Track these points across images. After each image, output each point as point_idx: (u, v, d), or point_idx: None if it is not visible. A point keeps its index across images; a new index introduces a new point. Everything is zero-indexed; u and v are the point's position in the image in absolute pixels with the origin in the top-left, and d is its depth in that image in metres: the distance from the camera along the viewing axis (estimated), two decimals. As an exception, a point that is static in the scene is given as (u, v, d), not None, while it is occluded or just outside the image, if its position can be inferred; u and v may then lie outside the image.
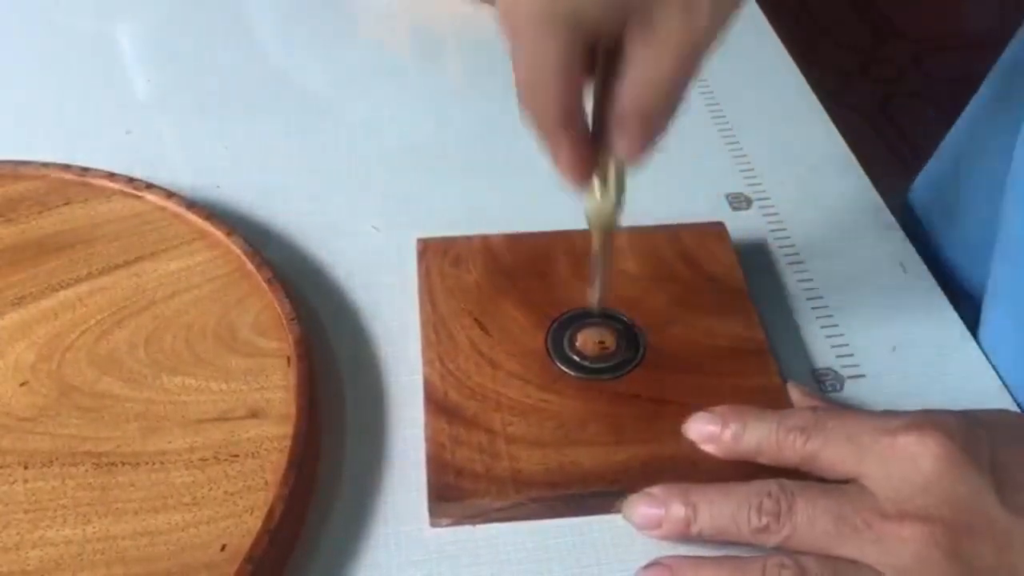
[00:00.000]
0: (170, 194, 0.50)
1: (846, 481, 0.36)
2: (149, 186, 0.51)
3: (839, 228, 0.53)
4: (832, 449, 0.36)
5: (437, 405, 0.42)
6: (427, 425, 0.41)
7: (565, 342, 0.44)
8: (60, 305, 0.45)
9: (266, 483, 0.38)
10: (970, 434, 0.35)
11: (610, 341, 0.44)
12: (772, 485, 0.36)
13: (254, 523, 0.37)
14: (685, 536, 0.37)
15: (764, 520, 0.35)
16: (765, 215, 0.53)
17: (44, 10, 0.69)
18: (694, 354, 0.44)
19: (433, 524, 0.39)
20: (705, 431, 0.40)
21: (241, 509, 0.38)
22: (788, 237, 0.52)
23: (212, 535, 0.37)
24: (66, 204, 0.50)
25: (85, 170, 0.51)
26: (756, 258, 0.50)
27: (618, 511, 0.40)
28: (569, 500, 0.39)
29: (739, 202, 0.54)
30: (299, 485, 0.38)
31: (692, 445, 0.40)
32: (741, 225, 0.52)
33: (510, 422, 0.41)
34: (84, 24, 0.68)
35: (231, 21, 0.69)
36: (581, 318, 0.45)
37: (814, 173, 0.56)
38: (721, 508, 0.36)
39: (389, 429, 0.43)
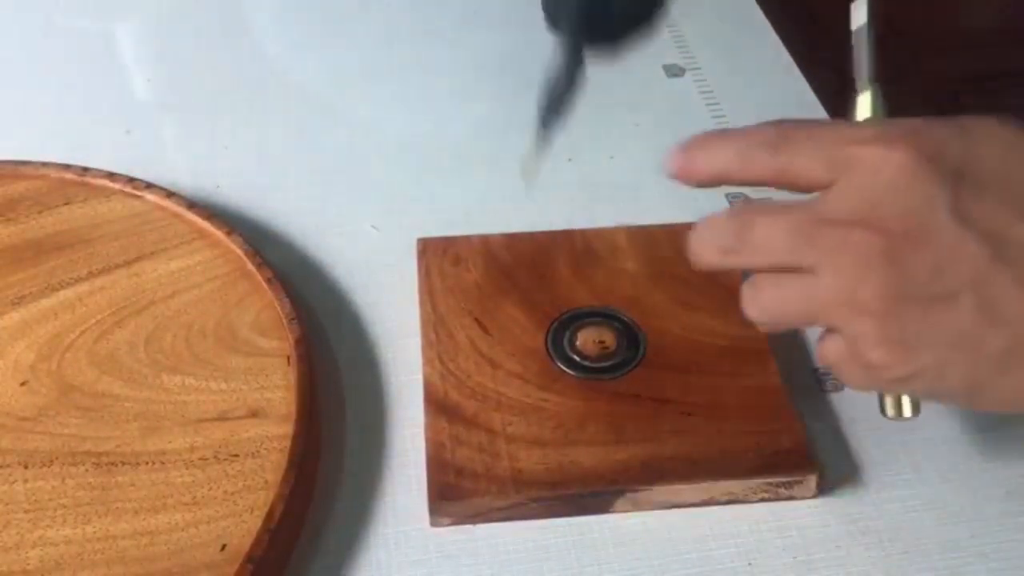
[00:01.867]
0: (170, 194, 0.50)
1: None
2: (149, 186, 0.51)
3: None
4: (801, 161, 0.35)
5: (437, 405, 0.42)
6: (427, 425, 0.41)
7: (565, 342, 0.44)
8: (60, 305, 0.45)
9: (266, 483, 0.38)
10: (943, 145, 0.34)
11: (610, 341, 0.44)
12: (732, 210, 0.36)
13: (254, 523, 0.37)
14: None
15: (726, 242, 0.36)
16: (765, 215, 0.53)
17: (44, 10, 0.69)
18: (694, 354, 0.44)
19: (433, 524, 0.39)
20: (677, 164, 0.37)
21: (241, 509, 0.38)
22: (788, 237, 0.52)
23: (212, 535, 0.37)
24: (66, 204, 0.50)
25: (85, 170, 0.51)
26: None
27: (618, 511, 0.40)
28: (569, 500, 0.39)
29: (739, 202, 0.54)
30: (299, 485, 0.38)
31: (692, 445, 0.40)
32: (741, 225, 0.51)
33: (510, 422, 0.41)
34: (84, 24, 0.68)
35: (231, 21, 0.69)
36: (581, 318, 0.45)
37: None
38: (700, 230, 0.37)
39: (389, 429, 0.43)
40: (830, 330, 0.35)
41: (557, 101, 0.39)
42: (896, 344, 0.33)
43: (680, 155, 0.37)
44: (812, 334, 0.47)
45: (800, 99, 0.62)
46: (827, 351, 0.35)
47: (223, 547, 0.37)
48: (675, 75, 0.63)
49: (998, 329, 0.32)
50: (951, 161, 0.33)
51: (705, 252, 0.37)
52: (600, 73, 0.42)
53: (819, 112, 0.61)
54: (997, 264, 0.32)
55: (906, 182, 0.33)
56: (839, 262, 0.33)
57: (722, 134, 0.37)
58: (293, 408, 0.41)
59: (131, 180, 0.51)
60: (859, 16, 0.42)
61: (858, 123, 0.37)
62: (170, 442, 0.40)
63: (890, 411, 0.37)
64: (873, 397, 0.44)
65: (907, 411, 0.37)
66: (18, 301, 0.45)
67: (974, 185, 0.33)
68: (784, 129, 0.36)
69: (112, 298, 0.46)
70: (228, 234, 0.48)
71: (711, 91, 0.61)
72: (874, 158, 0.33)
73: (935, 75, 1.94)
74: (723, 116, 0.60)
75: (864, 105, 0.40)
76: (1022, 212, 0.32)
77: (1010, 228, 0.32)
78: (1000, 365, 0.33)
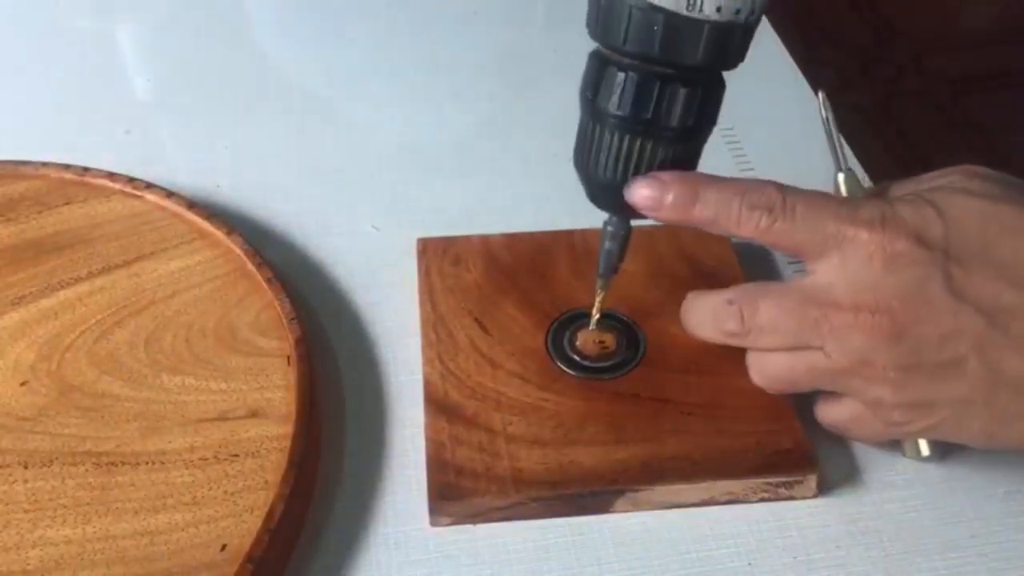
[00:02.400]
0: (170, 194, 0.50)
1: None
2: (149, 186, 0.51)
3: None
4: (800, 235, 0.38)
5: (437, 404, 0.42)
6: (427, 425, 0.41)
7: (565, 342, 0.44)
8: (60, 305, 0.45)
9: (266, 483, 0.38)
10: (924, 230, 0.36)
11: (610, 341, 0.44)
12: (732, 293, 0.39)
13: (254, 523, 0.37)
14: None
15: (730, 326, 0.39)
16: (765, 215, 0.53)
17: (44, 10, 0.69)
18: (694, 354, 0.44)
19: (433, 524, 0.39)
20: (641, 194, 0.38)
21: (241, 509, 0.38)
22: (788, 237, 0.52)
23: (212, 535, 0.37)
24: (66, 204, 0.50)
25: (85, 170, 0.51)
26: (756, 258, 0.50)
27: (618, 511, 0.40)
28: (569, 499, 0.39)
29: (739, 202, 0.54)
30: (299, 485, 0.38)
31: (692, 445, 0.40)
32: (741, 225, 0.51)
33: (510, 421, 0.41)
34: (84, 24, 0.68)
35: (231, 21, 0.69)
36: (581, 318, 0.45)
37: (814, 173, 0.56)
38: (696, 305, 0.41)
39: (389, 429, 0.43)
40: (834, 395, 0.39)
41: (615, 264, 0.42)
42: (914, 406, 0.37)
43: (651, 186, 0.38)
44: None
45: (800, 99, 0.62)
46: (837, 413, 0.40)
47: (223, 547, 0.37)
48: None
49: (1003, 386, 0.36)
50: (936, 243, 0.36)
51: (706, 332, 0.41)
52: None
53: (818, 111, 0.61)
54: (994, 330, 0.35)
55: (900, 267, 0.36)
56: (849, 343, 0.37)
57: (717, 184, 0.39)
58: (293, 408, 0.41)
59: (131, 180, 0.51)
60: (824, 109, 0.47)
61: (848, 201, 0.40)
62: (170, 442, 0.40)
63: (909, 453, 0.41)
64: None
65: (925, 451, 0.41)
66: (18, 301, 0.45)
67: (960, 262, 0.36)
68: (785, 195, 0.38)
69: (112, 298, 0.46)
70: (228, 234, 0.48)
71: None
72: (867, 244, 0.36)
73: (935, 75, 1.94)
74: (723, 116, 0.59)
75: (843, 185, 0.46)
76: (1008, 280, 0.36)
77: (1000, 297, 0.36)
78: (1010, 415, 0.36)
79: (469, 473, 0.39)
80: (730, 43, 0.36)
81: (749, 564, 0.38)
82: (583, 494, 0.39)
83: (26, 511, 0.38)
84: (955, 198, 0.37)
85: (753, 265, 0.49)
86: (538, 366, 0.43)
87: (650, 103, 0.37)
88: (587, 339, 0.44)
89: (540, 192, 0.53)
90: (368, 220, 0.53)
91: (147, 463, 0.39)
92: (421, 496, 0.40)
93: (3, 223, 0.49)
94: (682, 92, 0.36)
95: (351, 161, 0.57)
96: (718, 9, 0.34)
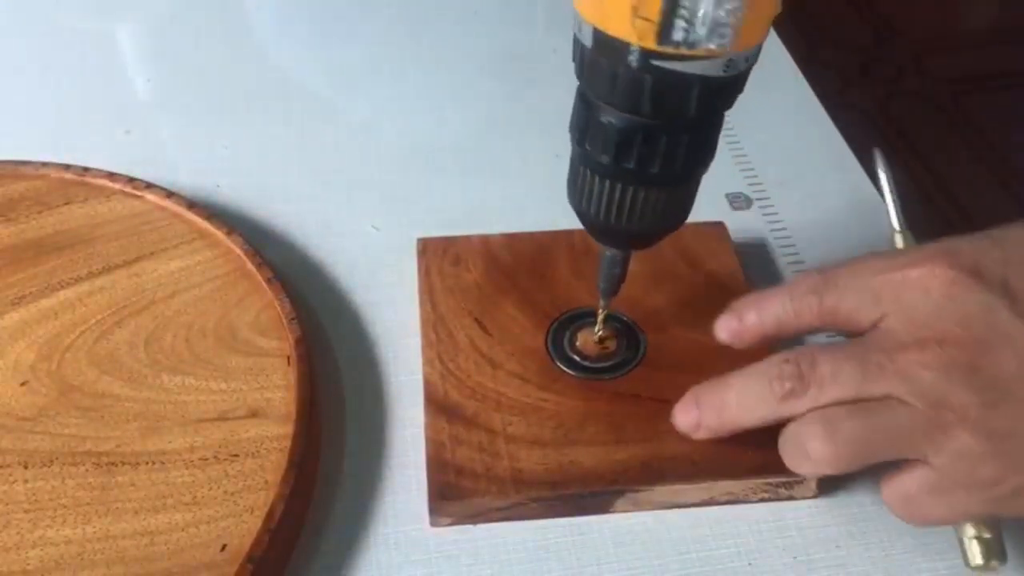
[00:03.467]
0: (170, 194, 0.50)
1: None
2: (149, 186, 0.51)
3: (839, 228, 0.53)
4: (849, 299, 0.36)
5: (437, 405, 0.42)
6: (427, 425, 0.41)
7: (565, 342, 0.44)
8: (60, 305, 0.45)
9: (266, 483, 0.38)
10: (981, 256, 0.35)
11: (610, 341, 0.44)
12: (787, 353, 0.36)
13: (254, 523, 0.37)
14: (720, 431, 0.38)
15: (788, 385, 0.35)
16: (765, 215, 0.53)
17: (44, 10, 0.69)
18: (694, 354, 0.44)
19: (433, 524, 0.39)
20: (728, 328, 0.39)
21: (241, 509, 0.38)
22: (788, 237, 0.52)
23: (212, 535, 0.37)
24: (66, 204, 0.50)
25: (85, 170, 0.51)
26: (756, 258, 0.50)
27: (618, 511, 0.40)
28: (569, 500, 0.39)
29: (739, 202, 0.54)
30: (299, 485, 0.38)
31: (692, 445, 0.40)
32: (741, 225, 0.52)
33: (510, 421, 0.41)
34: (84, 24, 0.68)
35: (231, 21, 0.69)
36: (581, 318, 0.45)
37: (814, 173, 0.56)
38: (745, 389, 0.37)
39: (389, 429, 0.43)
40: (906, 463, 0.35)
41: (615, 286, 0.42)
42: (1005, 452, 0.33)
43: (731, 319, 0.39)
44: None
45: (800, 99, 0.62)
46: (910, 483, 0.35)
47: (223, 547, 0.37)
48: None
49: None
50: (993, 270, 0.34)
51: (760, 405, 0.36)
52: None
53: (819, 112, 0.61)
54: None
55: (958, 294, 0.34)
56: (920, 383, 0.34)
57: (766, 292, 0.39)
58: (293, 408, 0.41)
59: (131, 180, 0.51)
60: (881, 171, 0.45)
61: (892, 252, 0.38)
62: (170, 442, 0.40)
63: (979, 559, 0.36)
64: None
65: (998, 559, 0.36)
66: (18, 301, 0.45)
67: (1016, 286, 0.34)
68: (825, 273, 0.37)
69: (112, 298, 0.46)
70: (228, 234, 0.48)
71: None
72: (920, 278, 0.35)
73: (935, 75, 1.94)
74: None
75: (900, 245, 0.44)
76: None
77: None
78: None
79: (469, 473, 0.39)
80: (722, 94, 0.34)
81: (749, 564, 0.38)
82: (583, 494, 0.39)
83: (26, 511, 0.38)
84: (1010, 232, 0.36)
85: (754, 265, 0.49)
86: (538, 366, 0.43)
87: (637, 152, 0.35)
88: (587, 339, 0.44)
89: (540, 192, 0.53)
90: (368, 220, 0.53)
91: (147, 463, 0.39)
92: (421, 496, 0.40)
93: (3, 223, 0.49)
94: (671, 141, 0.35)
95: (351, 161, 0.57)
96: (711, 65, 0.32)
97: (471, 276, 0.47)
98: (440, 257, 0.48)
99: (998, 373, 0.33)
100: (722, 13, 0.31)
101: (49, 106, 0.61)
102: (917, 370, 0.34)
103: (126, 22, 0.69)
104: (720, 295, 0.46)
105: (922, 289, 0.35)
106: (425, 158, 0.57)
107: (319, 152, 0.58)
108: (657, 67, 0.32)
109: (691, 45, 0.31)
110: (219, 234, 0.48)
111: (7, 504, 0.38)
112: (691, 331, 0.45)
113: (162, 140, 0.59)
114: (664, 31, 0.31)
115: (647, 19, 0.31)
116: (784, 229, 0.53)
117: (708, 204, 0.53)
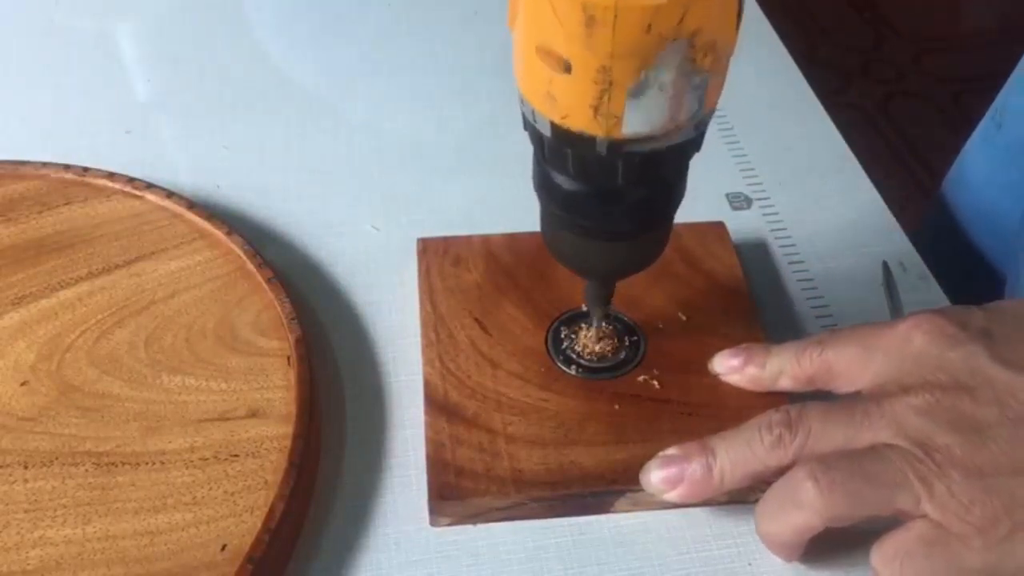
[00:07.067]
0: (170, 194, 0.50)
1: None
2: (149, 186, 0.51)
3: (839, 228, 0.53)
4: (845, 353, 0.39)
5: (437, 405, 0.42)
6: (427, 425, 0.41)
7: (565, 342, 0.44)
8: (60, 305, 0.45)
9: (266, 483, 0.38)
10: (966, 314, 0.38)
11: (610, 341, 0.44)
12: (780, 408, 0.38)
13: (254, 523, 0.37)
14: (707, 485, 0.37)
15: (776, 431, 0.36)
16: (765, 215, 0.53)
17: (44, 10, 0.69)
18: (694, 354, 0.44)
19: (433, 524, 0.39)
20: (730, 364, 0.42)
21: (241, 509, 0.38)
22: (788, 237, 0.52)
23: (212, 535, 0.37)
24: (66, 204, 0.50)
25: (85, 170, 0.51)
26: (756, 258, 0.50)
27: (618, 511, 0.40)
28: (569, 500, 0.39)
29: (739, 202, 0.54)
30: (299, 485, 0.38)
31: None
32: (741, 225, 0.52)
33: (510, 422, 0.41)
34: (84, 24, 0.68)
35: (231, 21, 0.69)
36: (581, 318, 0.45)
37: (814, 173, 0.56)
38: (734, 439, 0.37)
39: (389, 429, 0.43)
40: (898, 525, 0.35)
41: (603, 306, 0.43)
42: (994, 490, 0.33)
43: (749, 363, 0.42)
44: (813, 330, 0.47)
45: (800, 99, 0.62)
46: (902, 540, 0.35)
47: (223, 547, 0.37)
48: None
49: None
50: (976, 324, 0.37)
51: (748, 456, 0.37)
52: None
53: (819, 112, 0.61)
54: None
55: (942, 343, 0.37)
56: (906, 427, 0.35)
57: (776, 350, 0.41)
58: (293, 408, 0.41)
59: (131, 180, 0.51)
60: (887, 277, 0.48)
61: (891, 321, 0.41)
62: (170, 442, 0.40)
63: None
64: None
65: None
66: (18, 301, 0.45)
67: (1003, 338, 0.37)
68: (830, 331, 0.40)
69: (112, 298, 0.46)
70: (228, 234, 0.48)
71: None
72: (907, 330, 0.38)
73: (935, 75, 1.94)
74: (723, 116, 0.60)
75: None
76: None
77: None
78: None
79: (469, 473, 0.39)
80: (695, 145, 0.34)
81: (749, 564, 0.38)
82: (583, 494, 0.39)
83: (26, 511, 0.38)
84: (1000, 303, 0.39)
85: (754, 265, 0.49)
86: (538, 366, 0.43)
87: (590, 212, 0.35)
88: (587, 340, 0.44)
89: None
90: (368, 220, 0.53)
91: (147, 463, 0.39)
92: (421, 496, 0.40)
93: (3, 223, 0.49)
94: (624, 205, 0.35)
95: (351, 161, 0.57)
96: (683, 133, 0.32)
97: (471, 276, 0.47)
98: (440, 257, 0.48)
99: (980, 415, 0.35)
100: (690, 93, 0.30)
101: (49, 106, 0.61)
102: (904, 415, 0.35)
103: (126, 22, 0.69)
104: (720, 295, 0.46)
105: (908, 341, 0.37)
106: (425, 158, 0.57)
107: (319, 152, 0.58)
108: (629, 152, 0.32)
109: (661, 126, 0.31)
110: (219, 234, 0.48)
111: (7, 504, 0.38)
112: (691, 331, 0.45)
113: (162, 140, 0.59)
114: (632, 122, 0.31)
115: (613, 115, 0.31)
116: (784, 229, 0.53)
117: (708, 204, 0.54)
